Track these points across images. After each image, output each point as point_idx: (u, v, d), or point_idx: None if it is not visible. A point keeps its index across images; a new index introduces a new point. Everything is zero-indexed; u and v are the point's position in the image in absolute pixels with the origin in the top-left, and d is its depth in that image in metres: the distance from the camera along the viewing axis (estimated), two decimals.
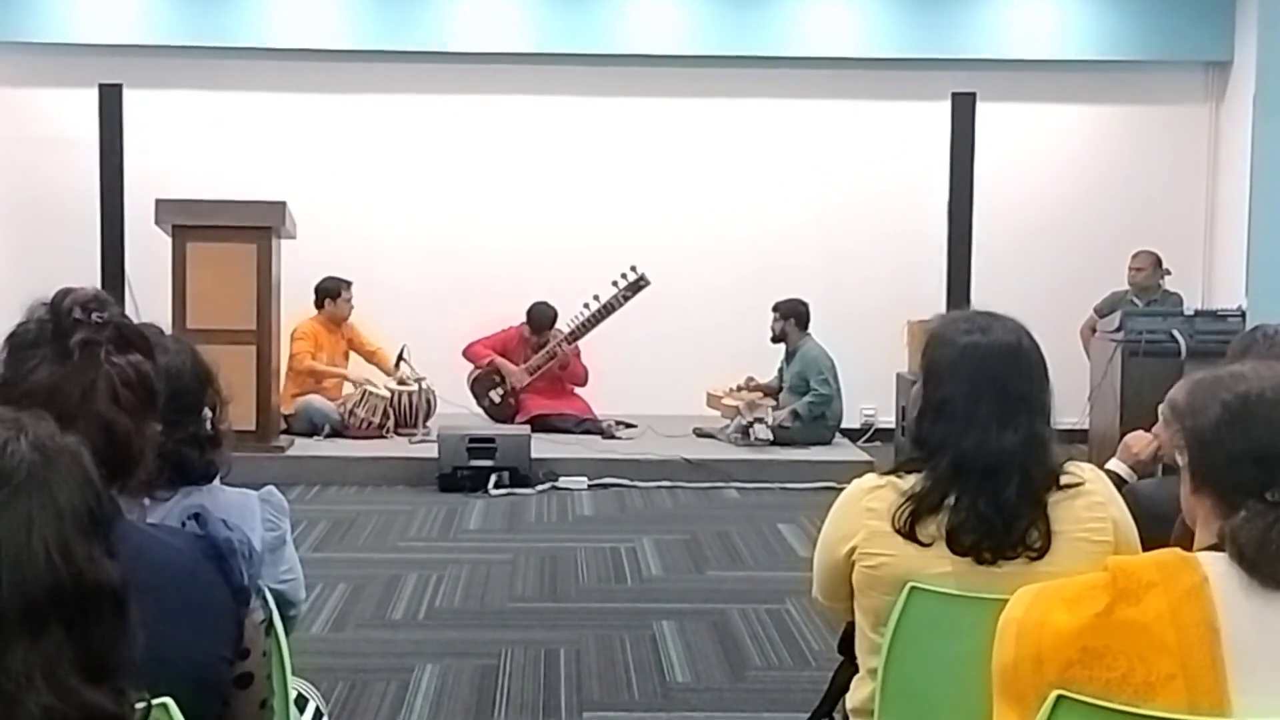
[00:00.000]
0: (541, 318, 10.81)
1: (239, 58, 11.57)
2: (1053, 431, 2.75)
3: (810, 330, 10.58)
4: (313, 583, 5.64)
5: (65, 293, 2.07)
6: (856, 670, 2.90)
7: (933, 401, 2.75)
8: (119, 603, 1.50)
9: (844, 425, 10.70)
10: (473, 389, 10.88)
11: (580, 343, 10.85)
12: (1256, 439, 1.91)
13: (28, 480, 1.46)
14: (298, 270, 9.94)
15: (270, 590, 2.53)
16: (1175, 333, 8.81)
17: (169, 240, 9.39)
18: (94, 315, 2.04)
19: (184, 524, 2.10)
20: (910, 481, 2.71)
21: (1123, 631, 1.87)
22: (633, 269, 10.65)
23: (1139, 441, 3.58)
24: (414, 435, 10.12)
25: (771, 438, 10.06)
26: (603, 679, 5.23)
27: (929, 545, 2.66)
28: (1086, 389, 9.50)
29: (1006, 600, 2.06)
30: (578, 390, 10.99)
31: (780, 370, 10.74)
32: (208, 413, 2.64)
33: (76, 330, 2.03)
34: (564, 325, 10.82)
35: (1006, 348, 2.73)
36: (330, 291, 10.57)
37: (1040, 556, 2.63)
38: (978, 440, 2.66)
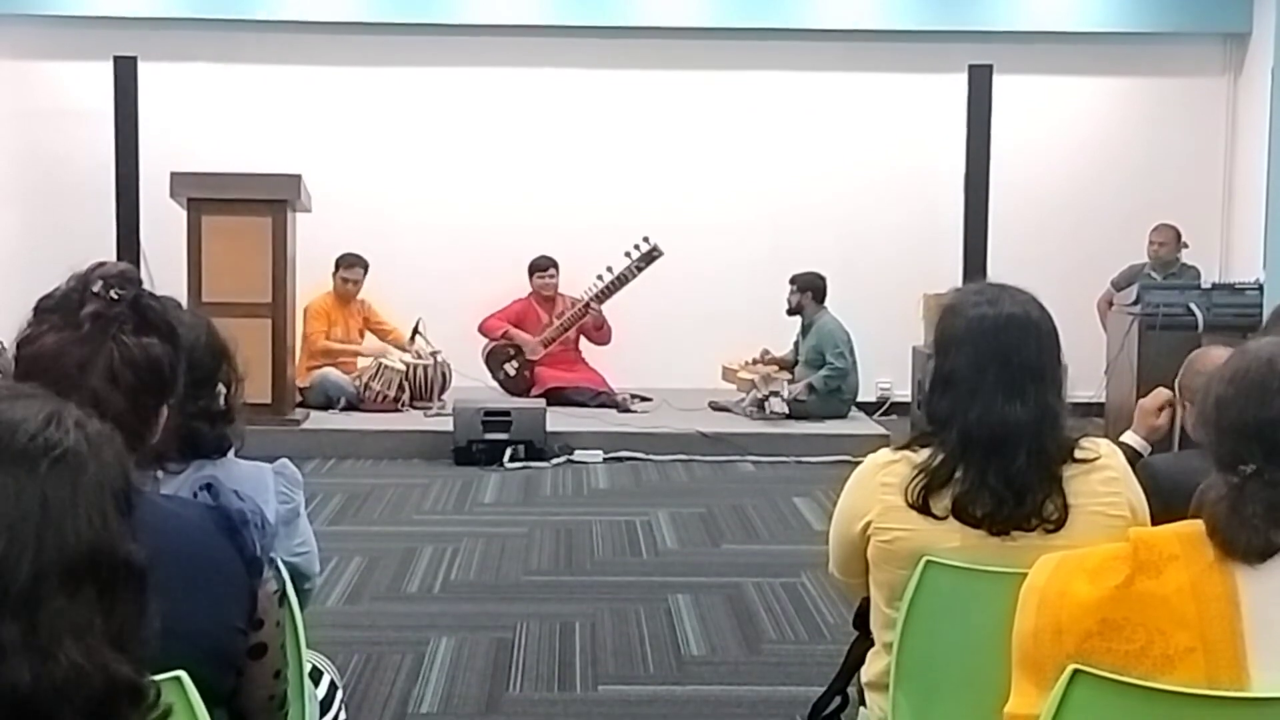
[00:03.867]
0: (543, 259, 10.88)
1: (254, 30, 11.56)
2: (1065, 404, 2.73)
3: (826, 303, 10.56)
4: (328, 556, 5.65)
5: (96, 265, 2.13)
6: (872, 644, 2.89)
7: (942, 374, 2.74)
8: (142, 584, 1.53)
9: (860, 399, 10.69)
10: (487, 362, 10.89)
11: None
12: (1240, 413, 1.91)
13: (73, 452, 1.50)
14: (313, 243, 9.94)
15: (285, 563, 2.53)
16: (1192, 306, 8.79)
17: (184, 213, 9.39)
18: (112, 291, 2.06)
19: (195, 495, 2.11)
20: (923, 456, 2.69)
21: (1142, 604, 1.87)
22: (645, 239, 10.62)
23: (1152, 399, 3.59)
24: (429, 408, 10.12)
25: (787, 411, 10.04)
26: (617, 652, 5.23)
27: (943, 519, 2.65)
28: (1103, 362, 9.49)
29: (1022, 574, 2.05)
30: (593, 362, 10.99)
31: (796, 343, 10.73)
32: (221, 388, 2.64)
33: (90, 303, 2.05)
34: (579, 297, 10.82)
35: (1013, 319, 2.70)
36: (336, 264, 10.61)
37: (1057, 529, 2.62)
38: (983, 411, 2.64)
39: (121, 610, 1.50)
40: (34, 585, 1.43)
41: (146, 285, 2.15)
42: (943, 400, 2.71)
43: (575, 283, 10.86)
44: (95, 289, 2.06)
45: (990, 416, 2.64)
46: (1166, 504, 2.70)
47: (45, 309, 2.09)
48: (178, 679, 1.80)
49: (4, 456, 1.47)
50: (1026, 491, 2.62)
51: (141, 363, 2.06)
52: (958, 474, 2.65)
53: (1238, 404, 1.90)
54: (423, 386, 10.39)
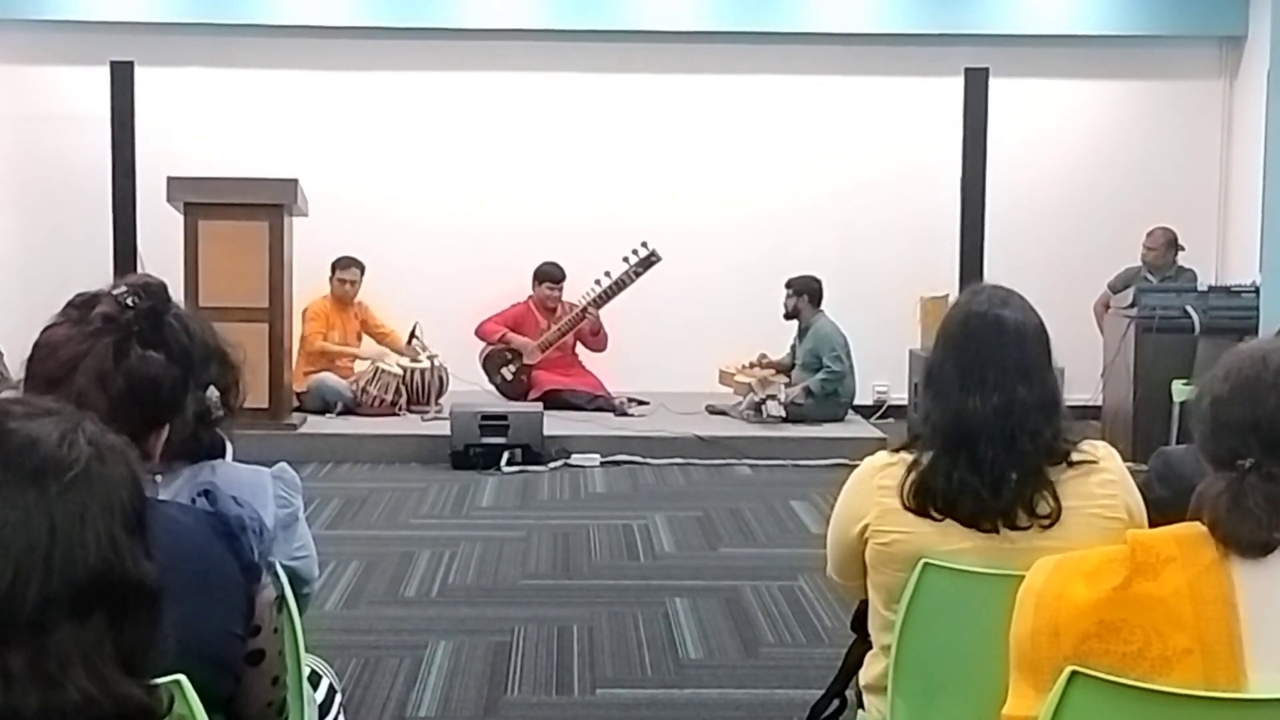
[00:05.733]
0: (554, 270, 10.89)
1: (250, 35, 11.56)
2: (1051, 399, 2.71)
3: (823, 307, 10.57)
4: (326, 560, 5.62)
5: (136, 275, 2.15)
6: (870, 647, 2.90)
7: (927, 374, 2.79)
8: (155, 603, 1.52)
9: (857, 402, 10.69)
10: (484, 366, 10.89)
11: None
12: (1237, 410, 1.91)
13: (84, 473, 1.48)
14: (310, 248, 9.94)
15: (284, 568, 2.52)
16: (1189, 309, 8.80)
17: (181, 218, 9.39)
18: (129, 298, 2.06)
19: (194, 500, 2.11)
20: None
21: (1140, 606, 1.87)
22: (644, 244, 10.64)
23: None
24: (427, 413, 10.13)
25: (784, 415, 10.04)
26: (615, 656, 5.23)
27: (940, 521, 2.66)
28: (1099, 365, 9.49)
29: (1020, 576, 2.05)
30: (590, 365, 11.00)
31: (793, 347, 10.73)
32: (214, 391, 2.60)
33: (103, 304, 2.05)
34: (577, 301, 10.84)
35: (979, 315, 2.73)
36: (332, 267, 10.61)
37: (1051, 526, 2.62)
38: (946, 407, 2.68)
39: (133, 632, 1.48)
40: (41, 613, 1.42)
41: None
42: (923, 400, 2.78)
43: (572, 286, 10.86)
44: (116, 292, 2.07)
45: (951, 411, 2.68)
46: (1175, 492, 2.68)
47: (73, 303, 2.11)
48: (177, 683, 1.79)
49: (16, 478, 1.45)
50: (1001, 482, 2.63)
51: (137, 374, 2.05)
52: (940, 472, 2.67)
53: (1234, 401, 1.91)
54: (420, 390, 10.39)
